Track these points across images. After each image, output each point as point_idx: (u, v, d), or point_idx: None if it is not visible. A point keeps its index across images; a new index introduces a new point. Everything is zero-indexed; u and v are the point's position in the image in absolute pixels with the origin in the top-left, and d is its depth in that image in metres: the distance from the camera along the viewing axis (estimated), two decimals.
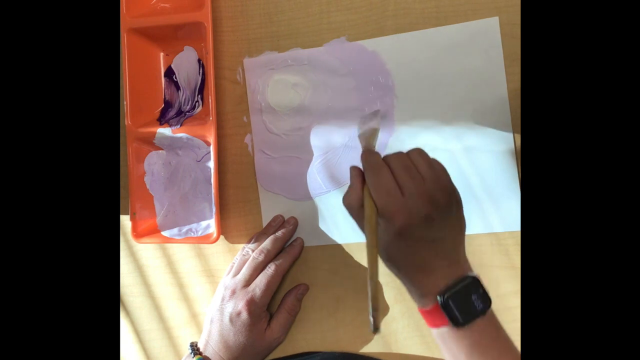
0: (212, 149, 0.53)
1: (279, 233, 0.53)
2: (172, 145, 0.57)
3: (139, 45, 0.56)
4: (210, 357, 0.50)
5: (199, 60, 0.57)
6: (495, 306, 0.51)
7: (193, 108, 0.57)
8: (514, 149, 0.49)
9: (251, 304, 0.49)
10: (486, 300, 0.39)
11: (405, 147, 0.51)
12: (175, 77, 0.58)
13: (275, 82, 0.55)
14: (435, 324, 0.39)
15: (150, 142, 0.57)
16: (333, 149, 0.53)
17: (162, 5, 0.56)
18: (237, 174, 0.56)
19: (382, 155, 0.42)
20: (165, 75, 0.58)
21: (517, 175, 0.49)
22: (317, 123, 0.54)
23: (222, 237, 0.56)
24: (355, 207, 0.41)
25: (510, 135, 0.49)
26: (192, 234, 0.56)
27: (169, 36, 0.56)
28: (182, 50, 0.57)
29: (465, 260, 0.41)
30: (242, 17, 0.55)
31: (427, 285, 0.39)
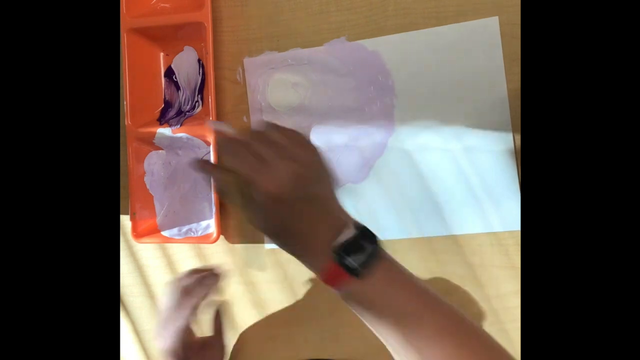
0: (212, 148, 0.53)
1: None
2: (172, 145, 0.57)
3: (139, 45, 0.56)
4: None
5: (199, 60, 0.57)
6: (495, 306, 0.51)
7: (193, 108, 0.57)
8: (514, 149, 0.49)
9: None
10: (373, 239, 0.39)
11: (406, 147, 0.51)
12: (175, 77, 0.58)
13: (275, 82, 0.55)
14: (338, 284, 0.38)
15: (150, 142, 0.57)
16: (333, 148, 0.53)
17: (162, 5, 0.56)
18: None
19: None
20: (165, 75, 0.58)
21: (517, 175, 0.49)
22: (317, 123, 0.54)
23: (222, 237, 0.57)
24: (227, 190, 0.41)
25: (510, 135, 0.49)
26: (192, 234, 0.56)
27: (169, 36, 0.56)
28: (182, 50, 0.57)
29: (344, 211, 0.41)
30: (242, 17, 0.55)
31: (317, 246, 0.39)
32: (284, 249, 0.41)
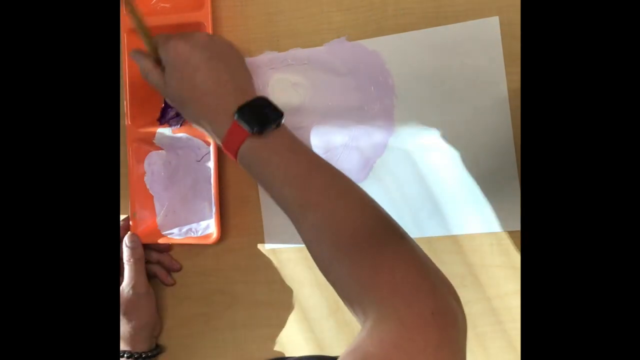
0: (211, 148, 0.53)
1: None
2: (172, 145, 0.57)
3: (140, 45, 0.55)
4: None
5: None
6: (495, 306, 0.51)
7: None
8: (514, 149, 0.49)
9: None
10: (278, 112, 0.43)
11: (406, 147, 0.51)
12: None
13: (275, 82, 0.55)
14: (237, 141, 0.42)
15: (150, 142, 0.57)
16: (333, 148, 0.53)
17: (162, 5, 0.56)
18: (237, 174, 0.56)
19: None
20: None
21: (517, 175, 0.49)
22: (317, 123, 0.54)
23: (222, 237, 0.56)
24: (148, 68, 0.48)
25: (510, 135, 0.49)
26: (192, 233, 0.56)
27: None
28: None
29: (252, 86, 0.48)
30: (242, 17, 0.55)
31: (222, 106, 0.44)
32: (191, 116, 0.46)
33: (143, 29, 0.48)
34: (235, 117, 0.42)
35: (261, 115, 0.43)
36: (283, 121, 0.43)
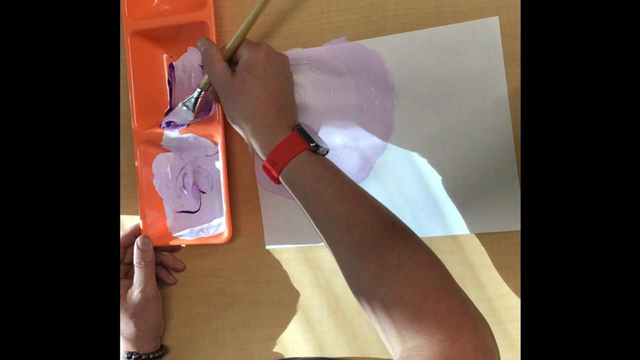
0: (220, 147, 0.53)
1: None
2: (179, 146, 0.57)
3: (143, 47, 0.56)
4: None
5: None
6: (495, 306, 0.51)
7: (209, 110, 0.56)
8: (514, 148, 0.49)
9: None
10: (324, 144, 0.46)
11: (406, 147, 0.51)
12: (177, 79, 0.58)
13: None
14: (292, 152, 0.44)
15: (157, 145, 0.57)
16: (333, 148, 0.53)
17: (164, 7, 0.56)
18: (237, 173, 0.56)
19: None
20: (169, 77, 0.58)
21: (517, 175, 0.49)
22: (317, 123, 0.54)
23: (233, 236, 0.56)
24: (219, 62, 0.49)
25: (510, 135, 0.49)
26: (204, 234, 0.56)
27: (172, 38, 0.56)
28: (186, 51, 0.57)
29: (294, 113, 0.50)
30: (242, 17, 0.55)
31: (284, 119, 0.46)
32: (240, 110, 0.47)
33: (250, 22, 0.49)
34: (297, 129, 0.45)
35: (316, 136, 0.46)
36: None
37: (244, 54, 0.49)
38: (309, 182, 0.43)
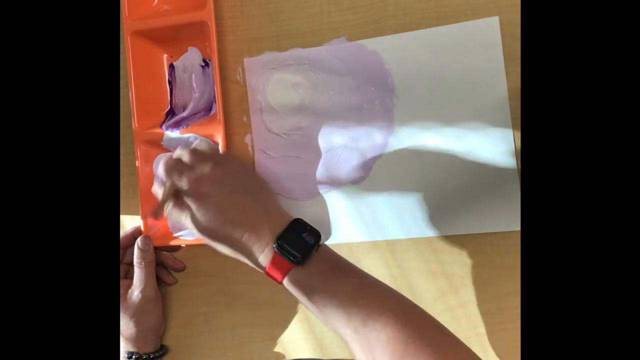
0: (220, 148, 0.53)
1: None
2: (180, 146, 0.57)
3: (143, 47, 0.56)
4: None
5: (204, 60, 0.57)
6: (495, 306, 0.51)
7: (210, 109, 0.56)
8: (514, 149, 0.49)
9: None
10: (315, 234, 0.43)
11: (406, 147, 0.51)
12: (177, 79, 0.58)
13: (275, 82, 0.55)
14: (281, 273, 0.42)
15: (158, 144, 0.56)
16: (332, 149, 0.53)
17: (164, 7, 0.56)
18: None
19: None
20: (170, 77, 0.58)
21: (517, 175, 0.49)
22: (317, 123, 0.54)
23: None
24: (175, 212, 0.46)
25: (510, 135, 0.49)
26: None
27: (172, 37, 0.56)
28: (186, 51, 0.57)
29: (283, 210, 0.45)
30: (242, 17, 0.55)
31: (260, 239, 0.43)
32: (229, 248, 0.44)
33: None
34: (275, 249, 0.42)
35: (300, 242, 0.42)
36: (322, 240, 0.43)
37: (183, 195, 0.45)
38: (303, 299, 0.42)
